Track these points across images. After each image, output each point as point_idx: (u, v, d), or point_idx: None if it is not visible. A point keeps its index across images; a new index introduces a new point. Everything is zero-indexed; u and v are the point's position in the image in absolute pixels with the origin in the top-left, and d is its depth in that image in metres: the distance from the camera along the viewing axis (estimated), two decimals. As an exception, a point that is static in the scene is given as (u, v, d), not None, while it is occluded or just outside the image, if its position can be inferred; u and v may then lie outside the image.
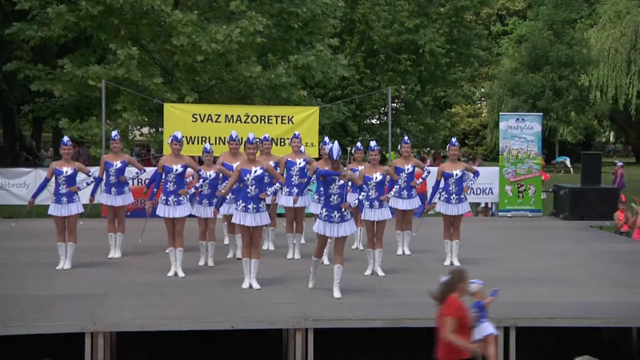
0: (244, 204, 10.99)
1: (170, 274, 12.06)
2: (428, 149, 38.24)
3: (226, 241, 14.45)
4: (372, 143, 12.43)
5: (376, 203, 12.03)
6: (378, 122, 37.30)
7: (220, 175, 12.94)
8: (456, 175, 13.02)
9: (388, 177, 12.48)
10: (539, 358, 10.65)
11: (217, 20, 23.29)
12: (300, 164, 13.56)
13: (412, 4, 34.30)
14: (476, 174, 13.41)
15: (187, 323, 9.67)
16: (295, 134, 14.19)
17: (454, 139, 13.53)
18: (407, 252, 14.13)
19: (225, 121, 19.73)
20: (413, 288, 11.28)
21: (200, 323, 9.72)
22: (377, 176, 12.06)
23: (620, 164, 27.96)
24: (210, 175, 12.82)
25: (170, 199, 12.03)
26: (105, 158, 13.84)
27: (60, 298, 10.55)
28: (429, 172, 14.61)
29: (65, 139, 12.90)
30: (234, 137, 13.26)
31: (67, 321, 9.40)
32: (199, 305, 10.37)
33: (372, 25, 33.62)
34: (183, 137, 12.75)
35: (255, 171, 11.00)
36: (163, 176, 12.16)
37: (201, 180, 12.68)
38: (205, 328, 9.79)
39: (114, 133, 13.97)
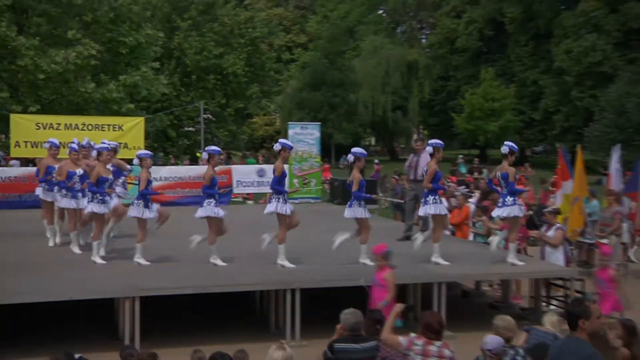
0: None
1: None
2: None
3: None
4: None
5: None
6: (193, 129, 37.07)
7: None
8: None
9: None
10: (316, 313, 11.01)
11: (57, 46, 22.41)
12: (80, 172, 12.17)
13: (218, 35, 34.61)
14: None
15: (27, 295, 9.21)
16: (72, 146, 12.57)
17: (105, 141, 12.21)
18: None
19: (65, 129, 19.04)
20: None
21: (40, 295, 9.28)
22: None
23: (377, 161, 29.42)
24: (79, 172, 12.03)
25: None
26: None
27: None
28: None
29: None
30: (84, 144, 12.58)
31: None
32: (42, 279, 10.02)
33: (186, 52, 33.71)
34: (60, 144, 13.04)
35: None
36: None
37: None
38: (45, 300, 9.31)
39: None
